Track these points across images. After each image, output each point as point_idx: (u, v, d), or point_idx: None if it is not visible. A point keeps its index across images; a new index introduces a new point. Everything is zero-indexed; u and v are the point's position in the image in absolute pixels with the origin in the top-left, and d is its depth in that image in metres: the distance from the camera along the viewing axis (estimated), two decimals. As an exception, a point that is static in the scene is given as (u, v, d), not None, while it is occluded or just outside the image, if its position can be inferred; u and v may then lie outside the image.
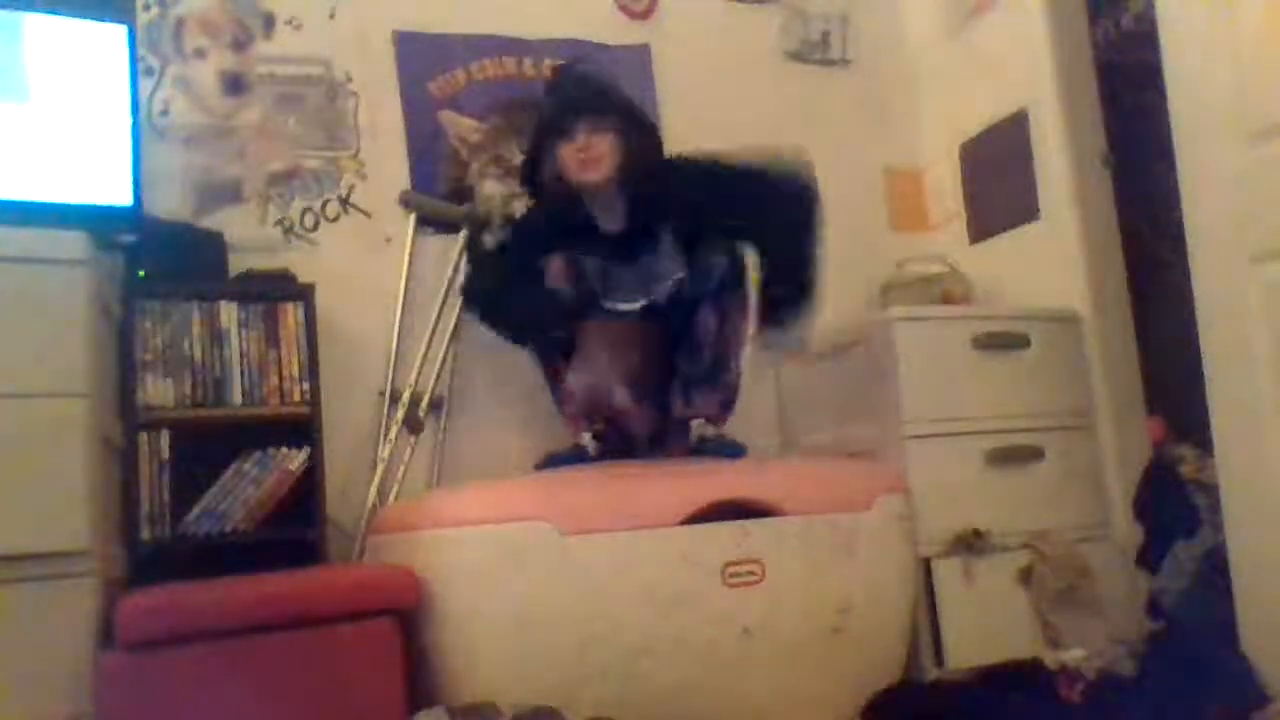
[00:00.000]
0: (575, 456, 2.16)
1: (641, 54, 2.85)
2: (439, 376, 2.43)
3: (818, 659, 1.91)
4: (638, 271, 2.18)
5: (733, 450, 2.15)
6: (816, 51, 3.03)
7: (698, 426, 2.18)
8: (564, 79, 2.34)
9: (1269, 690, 1.81)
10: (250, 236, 2.40)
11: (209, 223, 2.36)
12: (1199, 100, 1.98)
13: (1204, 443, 2.06)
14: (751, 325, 2.18)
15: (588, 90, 2.23)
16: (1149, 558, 2.28)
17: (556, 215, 2.25)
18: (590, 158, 2.12)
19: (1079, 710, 1.83)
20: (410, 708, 1.65)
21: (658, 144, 2.26)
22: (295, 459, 2.16)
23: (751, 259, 2.17)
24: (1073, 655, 1.98)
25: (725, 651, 1.82)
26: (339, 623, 1.66)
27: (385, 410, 2.38)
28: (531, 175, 2.26)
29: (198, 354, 2.13)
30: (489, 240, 2.43)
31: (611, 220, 2.19)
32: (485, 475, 2.33)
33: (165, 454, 2.07)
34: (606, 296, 2.18)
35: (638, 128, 2.21)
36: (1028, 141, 2.65)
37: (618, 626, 1.75)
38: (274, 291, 2.23)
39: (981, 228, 2.84)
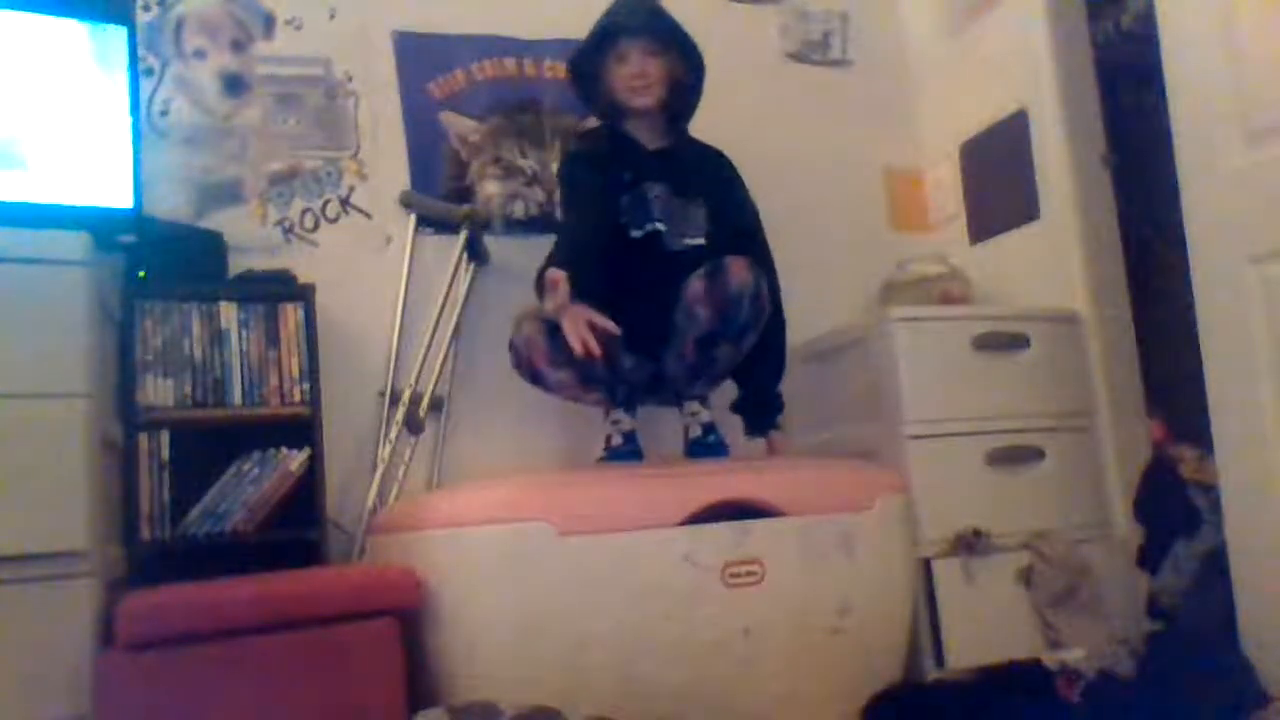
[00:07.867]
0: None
1: (641, 54, 2.86)
2: (439, 376, 2.43)
3: (818, 659, 1.90)
4: (683, 208, 2.25)
5: (722, 449, 2.19)
6: (817, 52, 3.03)
7: (694, 415, 2.22)
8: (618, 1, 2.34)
9: (1269, 690, 1.81)
10: (250, 236, 2.40)
11: (209, 223, 2.37)
12: (1199, 100, 1.98)
13: (1204, 443, 2.06)
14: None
15: (642, 13, 2.27)
16: (1149, 558, 2.28)
17: (608, 137, 2.33)
18: (644, 84, 2.22)
19: (1079, 710, 1.83)
20: (410, 708, 1.65)
21: (701, 68, 2.30)
22: (295, 459, 2.16)
23: None
24: (1073, 655, 1.97)
25: (725, 651, 1.81)
26: (339, 623, 1.66)
27: (385, 410, 2.38)
28: (583, 86, 2.34)
29: (198, 354, 2.13)
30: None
31: (653, 139, 2.30)
32: (485, 475, 2.33)
33: (165, 454, 2.07)
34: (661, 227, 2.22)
35: (686, 53, 2.27)
36: (1027, 141, 2.65)
37: (618, 627, 1.74)
38: (274, 292, 2.23)
39: (981, 228, 2.84)
